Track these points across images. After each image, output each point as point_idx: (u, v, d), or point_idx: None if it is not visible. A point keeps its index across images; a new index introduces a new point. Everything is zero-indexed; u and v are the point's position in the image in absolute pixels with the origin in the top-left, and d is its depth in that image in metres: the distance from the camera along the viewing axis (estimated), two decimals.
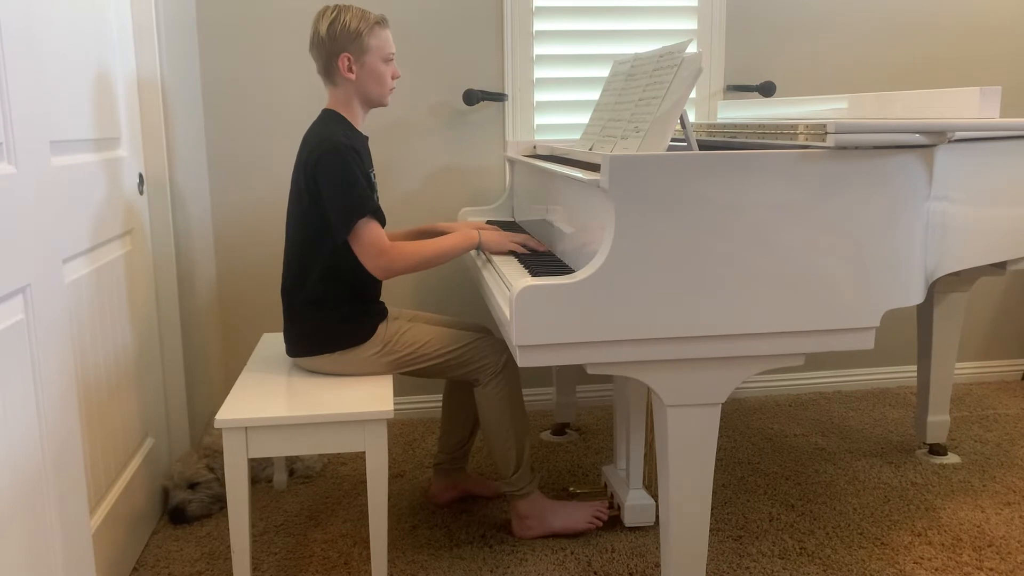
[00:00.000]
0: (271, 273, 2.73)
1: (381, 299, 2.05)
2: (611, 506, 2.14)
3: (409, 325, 1.99)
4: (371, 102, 1.99)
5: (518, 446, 2.00)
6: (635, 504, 2.08)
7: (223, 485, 2.20)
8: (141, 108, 2.16)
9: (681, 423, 1.55)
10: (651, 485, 2.15)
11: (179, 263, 2.31)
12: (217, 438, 2.28)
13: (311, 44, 1.95)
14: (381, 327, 1.96)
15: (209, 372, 2.56)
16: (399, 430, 2.81)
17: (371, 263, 1.86)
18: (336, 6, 1.92)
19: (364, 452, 1.80)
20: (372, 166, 1.99)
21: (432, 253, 1.91)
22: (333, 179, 1.83)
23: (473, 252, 2.16)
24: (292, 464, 2.45)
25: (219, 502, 2.22)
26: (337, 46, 1.90)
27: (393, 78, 1.98)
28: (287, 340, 1.99)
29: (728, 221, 1.47)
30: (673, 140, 2.33)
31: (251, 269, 2.74)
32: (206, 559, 2.01)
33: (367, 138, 1.99)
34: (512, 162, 2.61)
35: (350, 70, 1.92)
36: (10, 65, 1.25)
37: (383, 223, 1.89)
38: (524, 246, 2.00)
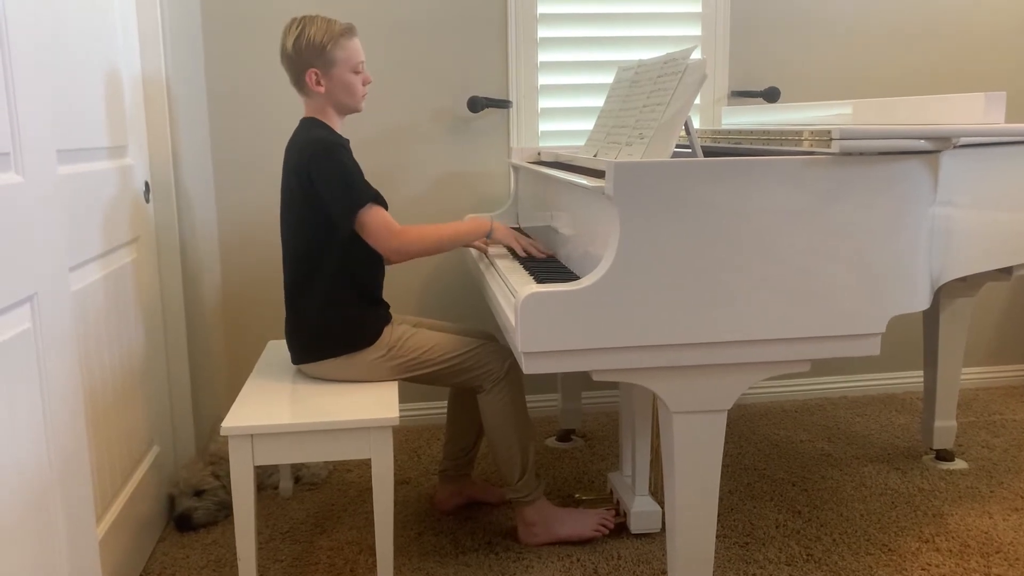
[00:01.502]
0: (276, 279, 2.73)
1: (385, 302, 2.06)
2: (617, 513, 2.14)
3: (414, 330, 1.99)
4: (344, 110, 2.00)
5: (522, 452, 1.99)
6: (641, 511, 2.08)
7: (229, 492, 2.20)
8: (147, 112, 2.17)
9: (687, 429, 1.55)
10: (657, 491, 2.15)
11: (185, 270, 2.32)
12: (223, 445, 2.29)
13: (281, 57, 1.95)
14: (386, 331, 1.96)
15: (215, 379, 2.56)
16: (404, 437, 2.81)
17: (383, 246, 1.88)
18: (302, 19, 1.92)
19: (370, 459, 1.80)
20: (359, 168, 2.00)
21: (443, 235, 1.92)
22: (330, 176, 1.84)
23: (476, 256, 2.17)
24: (298, 471, 2.46)
25: (225, 509, 2.23)
26: (304, 61, 1.91)
27: (364, 84, 1.99)
28: (291, 347, 2.00)
29: (733, 227, 1.46)
30: (678, 146, 2.33)
31: (256, 275, 2.74)
32: (212, 566, 2.01)
33: (348, 140, 2.01)
34: (517, 168, 2.61)
35: (319, 83, 1.92)
36: (18, 76, 1.26)
37: (386, 208, 1.90)
38: (527, 251, 2.01)
